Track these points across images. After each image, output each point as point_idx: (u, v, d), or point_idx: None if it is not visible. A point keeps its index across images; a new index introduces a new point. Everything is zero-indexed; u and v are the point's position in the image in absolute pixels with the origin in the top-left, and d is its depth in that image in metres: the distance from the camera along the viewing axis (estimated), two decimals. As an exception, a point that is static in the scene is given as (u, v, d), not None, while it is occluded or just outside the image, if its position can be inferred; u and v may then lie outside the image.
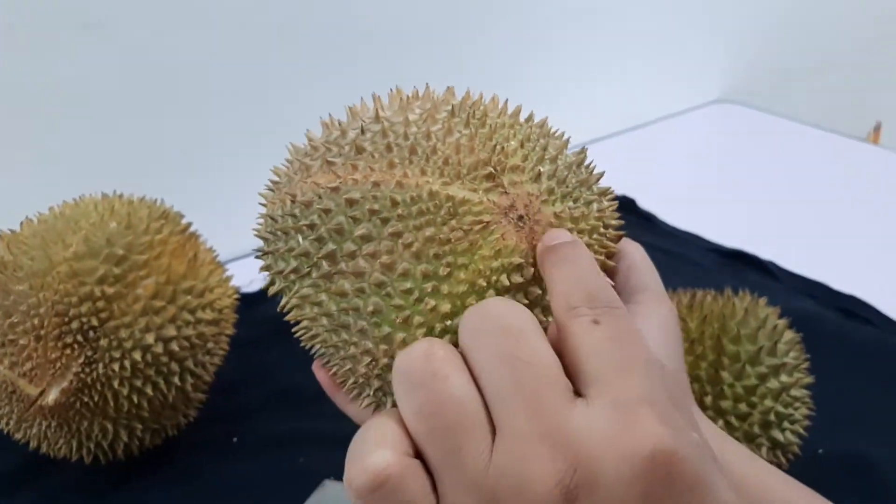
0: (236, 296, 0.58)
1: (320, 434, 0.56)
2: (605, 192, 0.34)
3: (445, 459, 0.24)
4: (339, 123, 0.34)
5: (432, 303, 0.28)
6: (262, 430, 0.59)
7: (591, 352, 0.24)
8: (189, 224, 0.56)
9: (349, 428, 0.30)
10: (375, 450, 0.24)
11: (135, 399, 0.49)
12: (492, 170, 0.30)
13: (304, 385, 0.56)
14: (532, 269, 0.29)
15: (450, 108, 0.32)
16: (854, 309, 0.72)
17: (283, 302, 0.32)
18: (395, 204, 0.29)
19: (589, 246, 0.31)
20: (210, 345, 0.54)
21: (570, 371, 0.25)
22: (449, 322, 0.29)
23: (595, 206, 0.32)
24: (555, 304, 0.27)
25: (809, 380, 0.50)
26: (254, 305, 0.69)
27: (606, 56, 1.12)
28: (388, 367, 0.29)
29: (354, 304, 0.29)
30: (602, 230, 0.33)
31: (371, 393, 0.31)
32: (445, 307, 0.28)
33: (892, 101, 1.40)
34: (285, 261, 0.32)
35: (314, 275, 0.30)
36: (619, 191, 0.92)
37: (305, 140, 0.34)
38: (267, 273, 0.34)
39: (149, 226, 0.51)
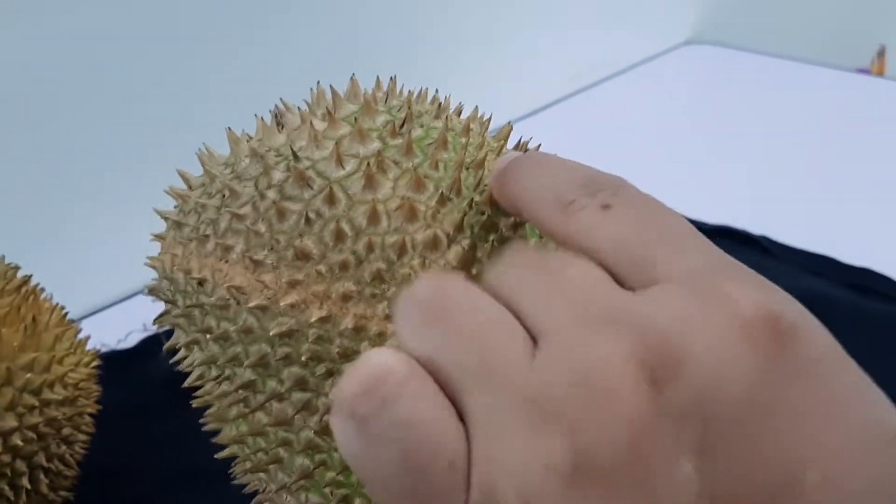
0: (96, 363, 0.55)
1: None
2: None
3: (472, 371, 0.20)
4: (269, 183, 0.28)
5: None
6: (154, 527, 0.57)
7: (618, 240, 0.21)
8: (27, 278, 0.53)
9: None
10: (372, 354, 0.21)
11: (-30, 514, 0.46)
12: None
13: (206, 463, 0.54)
14: None
15: (438, 179, 0.27)
16: (870, 284, 0.72)
17: (189, 370, 0.30)
18: (344, 356, 0.25)
19: None
20: (66, 430, 0.51)
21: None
22: None
23: None
24: (539, 214, 0.23)
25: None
26: (131, 365, 0.66)
27: (550, 5, 1.11)
28: None
29: (276, 455, 0.27)
30: None
31: None
32: None
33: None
34: (185, 343, 0.30)
35: (226, 387, 0.28)
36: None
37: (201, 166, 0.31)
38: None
39: (-33, 288, 0.49)
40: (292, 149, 0.28)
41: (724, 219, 0.82)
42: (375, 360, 0.20)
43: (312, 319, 0.25)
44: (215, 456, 0.31)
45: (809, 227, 0.80)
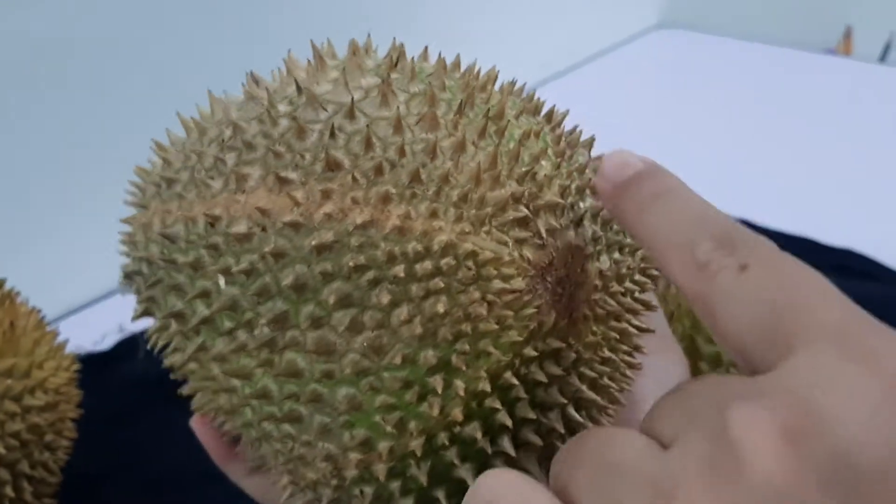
0: (76, 366, 0.54)
1: (208, 529, 0.54)
2: None
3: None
4: (278, 114, 0.27)
5: (439, 404, 0.25)
6: (135, 531, 0.56)
7: (754, 307, 0.21)
8: (1, 281, 0.52)
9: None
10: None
11: (-46, 526, 0.46)
12: (526, 212, 0.25)
13: (184, 466, 0.54)
14: (569, 350, 0.26)
15: (449, 99, 0.27)
16: (850, 263, 0.73)
17: (171, 359, 0.28)
18: (391, 259, 0.24)
19: (628, 309, 0.28)
20: (49, 437, 0.50)
21: (736, 344, 0.21)
22: (458, 430, 0.25)
23: (640, 253, 0.29)
24: (670, 266, 0.23)
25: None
26: (109, 367, 0.65)
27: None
28: (360, 479, 0.26)
29: (314, 392, 0.25)
30: (641, 288, 0.29)
31: (313, 499, 0.28)
32: (456, 411, 0.25)
33: None
34: (186, 304, 0.27)
35: (242, 337, 0.26)
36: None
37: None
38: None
39: (-58, 295, 0.48)
40: (297, 82, 0.27)
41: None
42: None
43: (357, 222, 0.24)
44: (223, 428, 0.29)
45: (785, 208, 0.80)
